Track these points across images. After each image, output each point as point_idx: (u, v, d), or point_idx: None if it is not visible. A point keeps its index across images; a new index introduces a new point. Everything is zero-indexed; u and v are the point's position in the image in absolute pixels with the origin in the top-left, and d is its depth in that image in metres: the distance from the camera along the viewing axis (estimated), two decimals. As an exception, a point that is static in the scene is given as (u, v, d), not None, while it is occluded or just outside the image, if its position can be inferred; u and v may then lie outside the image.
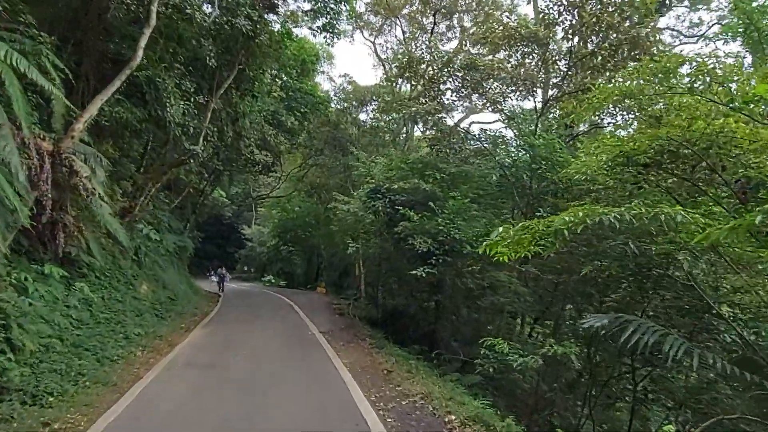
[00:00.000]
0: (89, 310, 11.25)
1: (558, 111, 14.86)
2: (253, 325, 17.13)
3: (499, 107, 16.94)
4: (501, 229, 5.56)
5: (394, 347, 13.36)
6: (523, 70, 15.55)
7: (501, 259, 5.99)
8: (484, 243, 5.75)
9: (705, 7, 26.15)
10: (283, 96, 29.74)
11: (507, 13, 20.59)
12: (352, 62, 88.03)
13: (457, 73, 15.95)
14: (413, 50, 29.14)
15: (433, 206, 14.02)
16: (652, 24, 14.57)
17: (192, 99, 14.24)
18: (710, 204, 7.18)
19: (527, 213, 12.89)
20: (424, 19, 33.61)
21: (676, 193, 7.97)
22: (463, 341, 16.48)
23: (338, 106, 34.84)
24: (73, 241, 10.86)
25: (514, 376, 11.06)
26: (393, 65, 22.73)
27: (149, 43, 12.24)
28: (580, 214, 4.98)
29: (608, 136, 8.76)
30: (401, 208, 14.45)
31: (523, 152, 14.16)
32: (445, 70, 16.06)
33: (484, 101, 17.32)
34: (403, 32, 32.60)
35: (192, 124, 14.28)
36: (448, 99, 17.23)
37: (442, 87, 16.61)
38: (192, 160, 15.46)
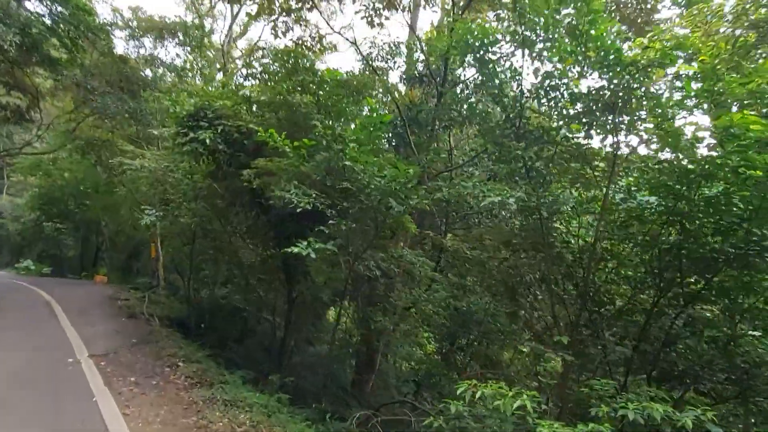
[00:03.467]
0: None
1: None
2: (-34, 348, 10.01)
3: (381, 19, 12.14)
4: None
5: (234, 383, 7.68)
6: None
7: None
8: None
9: None
10: (41, 11, 20.86)
11: None
12: None
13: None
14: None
15: (323, 130, 7.60)
16: None
17: None
18: None
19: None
20: None
21: None
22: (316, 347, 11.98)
23: (127, 35, 26.74)
24: None
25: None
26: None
27: None
28: None
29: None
30: (257, 130, 7.75)
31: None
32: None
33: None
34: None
35: None
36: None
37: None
38: None
